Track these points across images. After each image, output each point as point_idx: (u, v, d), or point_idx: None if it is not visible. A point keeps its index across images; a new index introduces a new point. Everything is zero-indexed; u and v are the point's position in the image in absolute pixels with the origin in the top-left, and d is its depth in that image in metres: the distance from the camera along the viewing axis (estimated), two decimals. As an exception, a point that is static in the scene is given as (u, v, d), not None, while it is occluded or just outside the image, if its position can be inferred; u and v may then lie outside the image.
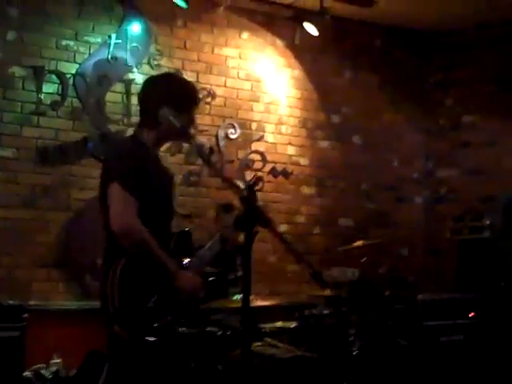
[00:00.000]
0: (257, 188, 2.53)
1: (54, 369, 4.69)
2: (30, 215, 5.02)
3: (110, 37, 5.38)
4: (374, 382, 4.23)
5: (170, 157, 5.54)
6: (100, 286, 2.78)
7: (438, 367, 4.82)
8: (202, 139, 3.02)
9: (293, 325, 4.43)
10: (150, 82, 3.10)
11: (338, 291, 4.79)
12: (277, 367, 3.84)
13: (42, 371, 4.66)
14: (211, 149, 3.02)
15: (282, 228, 6.04)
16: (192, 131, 2.95)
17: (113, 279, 2.68)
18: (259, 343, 4.13)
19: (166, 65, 5.63)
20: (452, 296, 5.24)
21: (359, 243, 4.92)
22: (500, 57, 6.54)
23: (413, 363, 4.76)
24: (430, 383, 4.78)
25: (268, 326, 4.48)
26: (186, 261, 2.94)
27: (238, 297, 4.17)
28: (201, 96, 5.70)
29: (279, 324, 4.53)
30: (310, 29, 5.83)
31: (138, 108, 3.04)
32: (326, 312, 4.35)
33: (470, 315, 5.17)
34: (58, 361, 4.75)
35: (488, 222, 5.57)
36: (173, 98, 2.89)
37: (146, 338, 2.67)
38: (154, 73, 5.51)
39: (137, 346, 2.70)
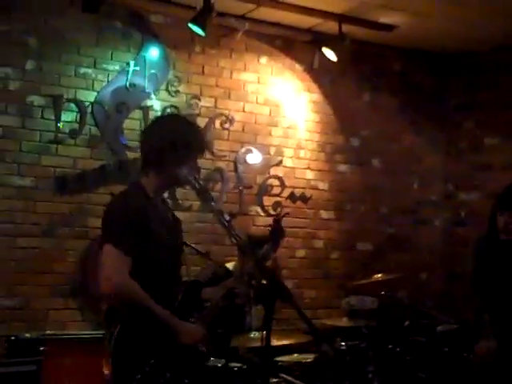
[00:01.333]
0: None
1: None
2: (49, 244, 5.02)
3: (128, 64, 5.38)
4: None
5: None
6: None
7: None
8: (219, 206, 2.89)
9: (309, 359, 4.40)
10: (154, 128, 3.03)
11: (357, 321, 4.76)
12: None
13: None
14: (232, 215, 2.95)
15: (300, 253, 6.03)
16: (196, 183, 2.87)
17: (108, 345, 2.63)
18: (275, 380, 4.11)
19: (184, 91, 5.61)
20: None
21: (378, 277, 4.86)
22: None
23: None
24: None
25: (284, 359, 4.46)
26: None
27: (255, 334, 4.15)
28: (219, 122, 5.72)
29: (295, 357, 4.50)
30: (329, 54, 5.79)
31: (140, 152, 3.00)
32: (343, 348, 4.29)
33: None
34: (73, 391, 4.74)
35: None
36: (177, 148, 2.85)
37: None
38: (173, 99, 5.55)
39: None
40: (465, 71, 6.78)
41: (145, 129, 3.03)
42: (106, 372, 2.60)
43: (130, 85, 5.38)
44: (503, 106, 6.54)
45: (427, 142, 6.82)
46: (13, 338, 4.24)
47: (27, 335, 4.34)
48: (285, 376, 4.14)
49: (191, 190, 3.12)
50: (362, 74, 6.48)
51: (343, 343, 4.38)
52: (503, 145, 6.56)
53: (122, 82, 5.36)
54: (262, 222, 5.89)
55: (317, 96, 6.27)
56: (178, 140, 2.85)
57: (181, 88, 5.61)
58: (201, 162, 5.46)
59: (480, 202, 6.64)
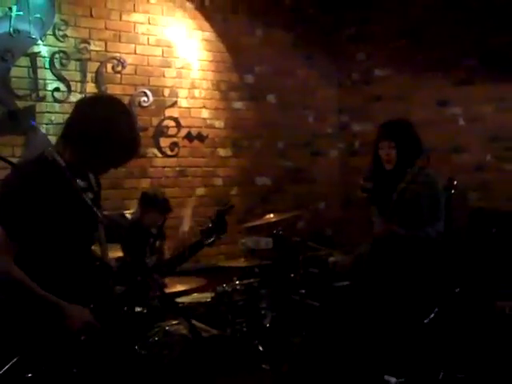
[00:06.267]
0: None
1: None
2: None
3: (10, 9, 5.19)
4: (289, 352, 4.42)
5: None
6: None
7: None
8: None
9: (208, 299, 4.59)
10: (98, 107, 2.62)
11: (253, 261, 4.97)
12: (192, 347, 4.01)
13: None
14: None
15: (200, 192, 6.15)
16: None
17: None
18: (175, 322, 4.29)
19: (72, 35, 5.47)
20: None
21: (271, 217, 5.04)
22: (412, 11, 6.58)
23: (326, 324, 4.99)
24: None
25: (184, 300, 4.63)
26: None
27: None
28: (111, 66, 5.67)
29: (195, 297, 4.69)
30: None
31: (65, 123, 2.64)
32: (237, 288, 4.50)
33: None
34: None
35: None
36: (113, 145, 2.54)
37: None
38: (61, 44, 5.43)
39: None
40: (356, 3, 6.88)
41: (91, 99, 2.74)
42: None
43: (14, 31, 5.21)
44: (393, 37, 6.68)
45: (321, 76, 6.98)
46: None
47: None
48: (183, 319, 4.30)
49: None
50: (255, 9, 6.50)
51: (238, 283, 4.58)
52: (392, 76, 6.77)
53: (5, 28, 5.19)
54: (159, 163, 5.96)
55: (209, 34, 6.26)
56: (119, 136, 2.55)
57: (68, 32, 5.48)
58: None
59: (372, 132, 6.85)
